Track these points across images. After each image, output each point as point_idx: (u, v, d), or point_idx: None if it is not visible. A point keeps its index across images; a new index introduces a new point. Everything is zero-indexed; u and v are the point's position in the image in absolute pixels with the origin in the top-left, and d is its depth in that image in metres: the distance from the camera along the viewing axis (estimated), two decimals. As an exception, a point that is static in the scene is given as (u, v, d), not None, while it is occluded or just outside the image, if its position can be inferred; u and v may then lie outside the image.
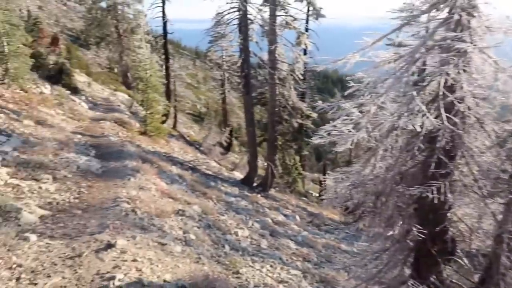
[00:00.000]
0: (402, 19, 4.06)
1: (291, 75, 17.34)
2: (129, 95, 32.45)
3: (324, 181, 32.03)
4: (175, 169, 14.10)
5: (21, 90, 16.49)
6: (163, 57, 27.47)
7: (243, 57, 16.76)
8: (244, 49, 16.76)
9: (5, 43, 15.20)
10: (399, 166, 4.02)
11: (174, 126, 28.37)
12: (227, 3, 24.74)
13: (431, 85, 4.04)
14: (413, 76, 3.93)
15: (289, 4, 16.13)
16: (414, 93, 3.46)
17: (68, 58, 27.43)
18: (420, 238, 3.78)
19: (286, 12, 16.41)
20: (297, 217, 16.40)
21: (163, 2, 25.53)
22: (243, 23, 16.41)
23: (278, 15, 15.94)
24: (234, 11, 24.78)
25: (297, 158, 20.23)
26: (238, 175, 22.21)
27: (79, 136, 13.66)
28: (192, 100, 57.02)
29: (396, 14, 4.24)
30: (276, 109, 16.92)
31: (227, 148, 27.84)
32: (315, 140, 4.70)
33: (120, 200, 8.00)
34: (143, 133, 19.28)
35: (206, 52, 31.30)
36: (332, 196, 4.34)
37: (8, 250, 5.16)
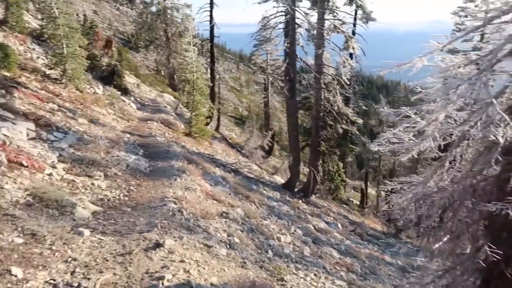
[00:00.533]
0: (477, 20, 3.75)
1: (338, 79, 16.96)
2: (175, 97, 33.25)
3: (366, 189, 31.28)
4: (218, 171, 14.16)
5: (76, 90, 17.28)
6: (208, 60, 27.87)
7: (289, 61, 16.61)
8: (290, 53, 16.61)
9: (64, 45, 15.98)
10: (470, 178, 3.70)
11: (217, 129, 28.70)
12: (274, 7, 24.77)
13: (507, 92, 3.70)
14: (491, 82, 3.61)
15: (338, 8, 15.81)
16: (494, 100, 3.16)
17: (119, 60, 28.52)
18: (492, 258, 3.45)
19: (334, 16, 16.10)
20: (339, 225, 16.00)
21: (211, 6, 25.92)
22: (291, 27, 16.27)
23: (327, 19, 15.66)
24: (281, 15, 24.80)
25: (341, 164, 19.74)
26: (279, 179, 22.06)
27: (128, 135, 14.05)
28: (235, 103, 57.64)
29: (469, 19, 3.94)
30: (321, 114, 16.61)
31: (269, 152, 27.77)
32: (374, 148, 4.47)
33: (167, 199, 8.08)
34: (188, 134, 19.60)
35: (250, 56, 31.58)
36: (394, 209, 4.07)
37: (64, 243, 5.30)
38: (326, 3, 15.28)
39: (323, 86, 16.28)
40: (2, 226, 5.16)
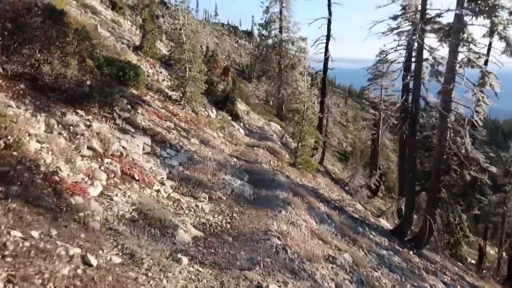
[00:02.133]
0: None
1: (471, 119, 14.69)
2: (281, 126, 33.21)
3: (485, 247, 26.76)
4: (322, 207, 13.02)
5: (192, 111, 17.93)
6: (319, 91, 27.21)
7: (412, 96, 14.96)
8: (414, 88, 14.95)
9: (187, 69, 16.75)
10: None
11: (321, 162, 27.54)
12: (395, 40, 23.31)
13: None
14: None
15: (475, 40, 13.81)
16: None
17: (233, 88, 29.57)
18: None
19: (469, 49, 14.13)
20: (459, 288, 13.43)
21: (327, 39, 25.46)
22: (417, 59, 14.69)
23: (460, 51, 13.78)
24: (402, 49, 23.17)
25: (464, 216, 16.81)
26: (385, 223, 19.91)
27: (235, 159, 13.81)
28: (339, 137, 55.95)
29: None
30: (444, 156, 14.45)
31: (374, 191, 25.63)
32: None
33: (271, 233, 7.25)
34: (292, 164, 18.89)
35: (362, 91, 30.17)
36: None
37: (161, 270, 4.74)
38: (461, 34, 13.47)
39: (449, 125, 14.20)
40: (104, 241, 4.82)
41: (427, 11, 14.06)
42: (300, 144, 19.02)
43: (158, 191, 7.33)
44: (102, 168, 6.84)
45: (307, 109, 18.82)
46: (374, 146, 32.98)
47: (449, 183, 15.19)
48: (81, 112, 8.12)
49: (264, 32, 37.83)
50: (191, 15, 17.22)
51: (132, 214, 5.97)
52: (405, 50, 22.60)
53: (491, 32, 14.37)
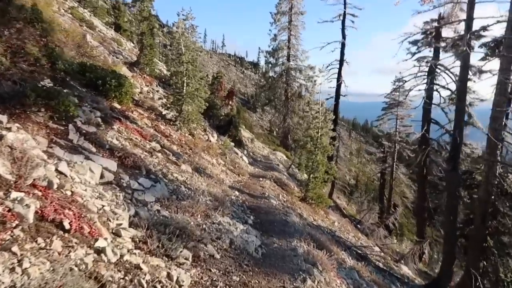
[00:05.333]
0: None
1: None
2: (287, 156, 30.02)
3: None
4: (347, 259, 9.60)
5: (190, 134, 14.86)
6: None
7: (455, 123, 11.75)
8: (458, 112, 11.77)
9: (184, 84, 13.79)
10: None
11: (330, 195, 24.11)
12: (415, 66, 20.49)
13: None
14: None
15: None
16: None
17: (237, 113, 26.67)
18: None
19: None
20: None
21: (341, 64, 22.61)
22: (461, 78, 11.60)
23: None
24: (423, 75, 20.28)
25: None
26: (406, 270, 16.30)
27: (237, 192, 10.56)
28: (342, 170, 52.59)
29: None
30: (492, 196, 11.13)
31: (391, 231, 22.03)
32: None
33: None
34: (303, 199, 15.56)
35: (376, 121, 27.09)
36: None
37: None
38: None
39: (499, 158, 10.95)
40: None
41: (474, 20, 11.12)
42: (312, 176, 15.75)
43: (101, 251, 4.03)
44: (0, 209, 3.64)
45: (322, 136, 15.69)
46: (383, 180, 29.60)
47: (497, 229, 11.81)
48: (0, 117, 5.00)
49: (271, 59, 35.31)
50: (194, 33, 14.31)
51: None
52: (426, 77, 19.75)
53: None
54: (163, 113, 14.50)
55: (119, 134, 8.46)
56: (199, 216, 6.53)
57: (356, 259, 10.60)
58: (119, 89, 10.54)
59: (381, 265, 13.19)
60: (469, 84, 12.63)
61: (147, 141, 9.55)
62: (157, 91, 18.04)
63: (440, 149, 18.94)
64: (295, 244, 7.08)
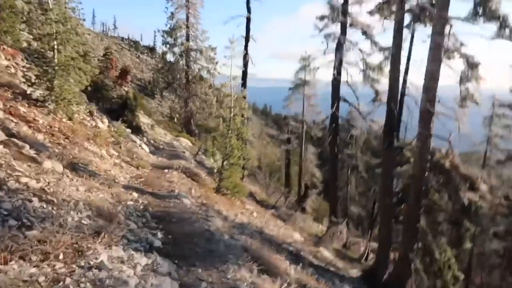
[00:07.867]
0: None
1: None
2: (192, 142, 26.91)
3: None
4: (290, 269, 7.25)
5: (69, 119, 10.86)
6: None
7: (389, 94, 10.23)
8: (393, 81, 10.20)
9: (55, 51, 9.74)
10: None
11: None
12: (323, 42, 19.29)
13: None
14: None
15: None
16: None
17: (135, 105, 22.45)
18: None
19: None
20: None
21: (246, 40, 20.10)
22: (396, 42, 10.03)
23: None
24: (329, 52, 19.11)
25: (450, 252, 12.22)
26: (327, 254, 14.98)
27: (135, 194, 7.36)
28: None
29: None
30: (426, 173, 9.97)
31: (303, 210, 20.76)
32: None
33: None
34: (217, 190, 12.91)
35: (284, 102, 25.51)
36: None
37: None
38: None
39: (432, 131, 9.76)
40: None
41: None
42: (226, 162, 13.15)
43: None
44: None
45: (235, 116, 13.13)
46: (288, 161, 28.65)
47: (431, 208, 10.86)
48: None
49: (169, 39, 31.20)
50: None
51: None
52: (334, 53, 18.58)
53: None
54: (28, 92, 10.26)
55: None
56: (60, 256, 3.35)
57: (294, 262, 8.35)
58: None
59: (315, 260, 11.33)
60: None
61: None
62: (23, 66, 13.28)
63: (349, 127, 18.05)
64: (233, 276, 4.36)
